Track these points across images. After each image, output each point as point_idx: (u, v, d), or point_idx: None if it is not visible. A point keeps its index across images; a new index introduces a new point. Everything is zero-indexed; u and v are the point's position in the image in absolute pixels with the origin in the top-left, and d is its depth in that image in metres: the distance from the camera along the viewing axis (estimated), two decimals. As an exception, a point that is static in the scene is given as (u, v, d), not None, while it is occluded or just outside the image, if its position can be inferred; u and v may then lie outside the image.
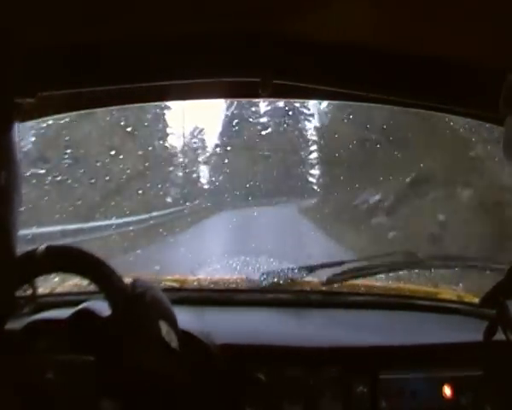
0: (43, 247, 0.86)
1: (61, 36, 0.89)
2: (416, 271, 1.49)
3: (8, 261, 0.80)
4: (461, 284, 1.48)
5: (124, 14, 0.85)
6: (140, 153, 3.80)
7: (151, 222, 3.79)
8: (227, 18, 0.87)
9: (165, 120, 4.87)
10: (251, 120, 5.66)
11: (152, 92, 1.11)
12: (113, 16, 0.86)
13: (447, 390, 1.07)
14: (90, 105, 1.19)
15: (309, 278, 1.41)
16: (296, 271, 1.35)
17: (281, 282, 1.34)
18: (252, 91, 1.02)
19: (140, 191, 3.74)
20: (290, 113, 5.51)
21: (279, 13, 0.86)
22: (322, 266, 1.37)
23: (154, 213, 3.96)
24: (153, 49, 0.95)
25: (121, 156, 3.48)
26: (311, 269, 1.35)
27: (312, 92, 1.08)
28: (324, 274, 1.34)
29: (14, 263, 0.82)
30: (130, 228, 3.58)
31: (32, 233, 2.21)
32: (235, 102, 5.31)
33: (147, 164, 3.81)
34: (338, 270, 1.33)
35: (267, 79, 0.97)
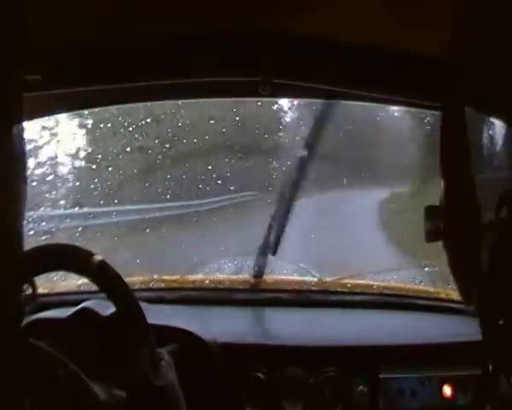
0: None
1: (66, 33, 0.89)
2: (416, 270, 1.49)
3: (11, 259, 0.78)
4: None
5: (125, 13, 0.85)
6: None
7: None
8: (227, 18, 0.87)
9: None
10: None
11: (152, 91, 1.11)
12: (113, 16, 0.86)
13: (447, 390, 1.07)
14: (90, 104, 1.19)
15: (308, 277, 1.41)
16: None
17: (280, 281, 1.34)
18: (252, 91, 1.02)
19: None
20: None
21: (279, 12, 0.85)
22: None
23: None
24: (153, 48, 0.95)
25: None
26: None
27: (312, 91, 1.08)
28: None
29: (18, 261, 0.80)
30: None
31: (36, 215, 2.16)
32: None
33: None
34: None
35: (267, 78, 0.97)
